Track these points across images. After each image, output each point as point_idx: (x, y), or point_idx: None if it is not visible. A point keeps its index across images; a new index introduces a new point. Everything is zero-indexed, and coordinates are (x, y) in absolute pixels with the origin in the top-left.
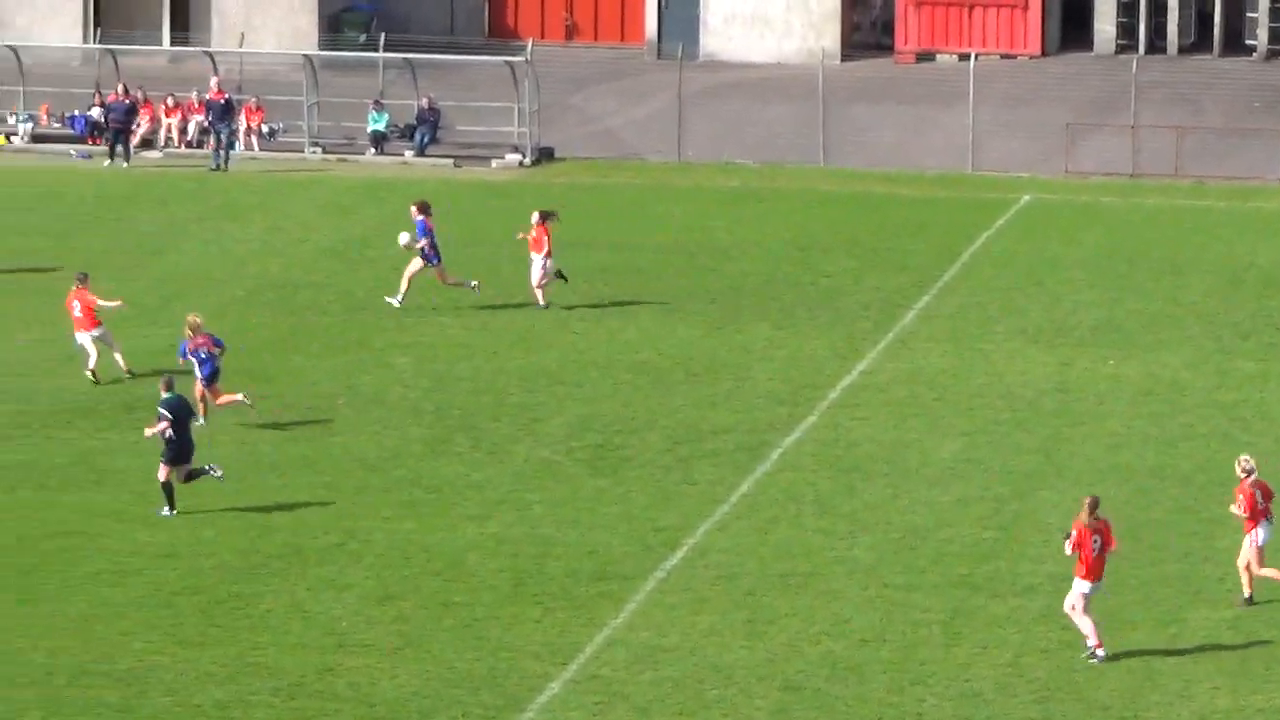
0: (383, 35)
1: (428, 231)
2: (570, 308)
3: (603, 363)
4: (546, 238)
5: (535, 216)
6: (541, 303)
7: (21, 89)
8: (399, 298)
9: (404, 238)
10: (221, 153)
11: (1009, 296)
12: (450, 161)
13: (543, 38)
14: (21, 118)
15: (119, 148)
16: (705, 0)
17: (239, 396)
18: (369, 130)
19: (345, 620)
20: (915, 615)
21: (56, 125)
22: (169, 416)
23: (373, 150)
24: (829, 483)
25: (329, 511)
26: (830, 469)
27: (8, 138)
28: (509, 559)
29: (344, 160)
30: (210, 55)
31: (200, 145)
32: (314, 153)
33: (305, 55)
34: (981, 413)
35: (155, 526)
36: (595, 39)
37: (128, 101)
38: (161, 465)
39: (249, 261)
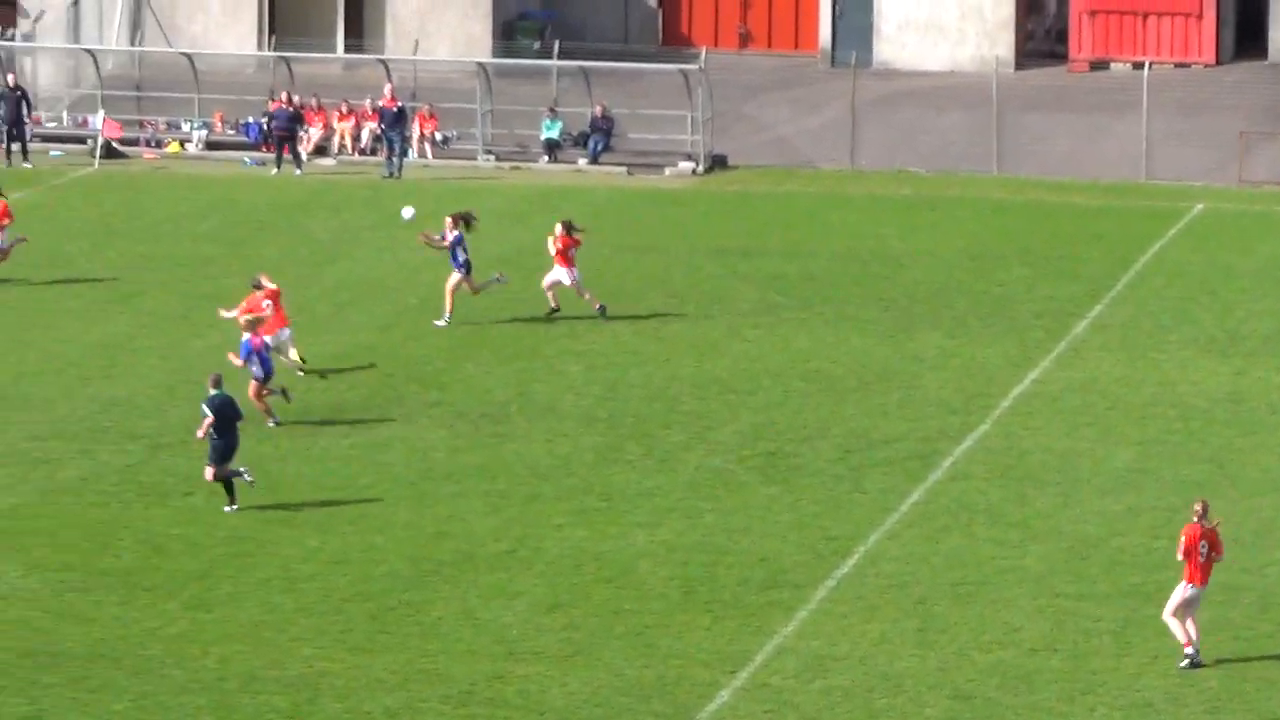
0: (556, 43)
1: (462, 242)
2: (743, 315)
3: (775, 371)
4: (573, 249)
5: (559, 228)
6: (552, 304)
7: (196, 96)
8: (445, 318)
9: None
10: (395, 160)
11: (1182, 306)
12: (623, 169)
13: (716, 46)
14: (196, 125)
15: (285, 155)
16: (879, 8)
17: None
18: (542, 138)
19: (516, 628)
20: (1086, 624)
21: (230, 132)
22: (209, 415)
23: (546, 158)
24: (1000, 491)
25: (500, 519)
26: (1002, 478)
27: (182, 145)
28: (680, 567)
29: (517, 168)
30: (384, 62)
31: (373, 152)
32: (487, 160)
33: (479, 63)
34: (1154, 422)
35: (326, 533)
36: (769, 47)
37: (290, 109)
38: (208, 468)
39: (422, 269)
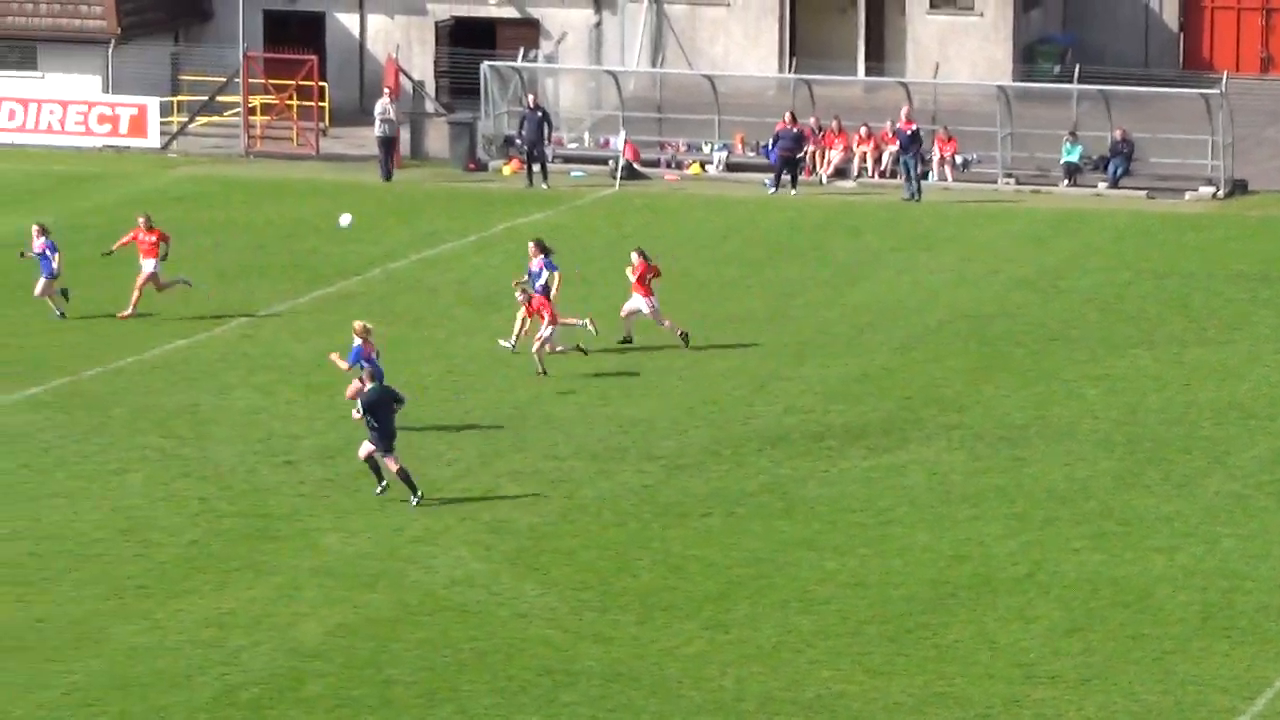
0: (1076, 67)
1: (550, 266)
2: (1263, 340)
3: None
4: (651, 277)
5: (635, 256)
6: (626, 332)
7: (717, 118)
8: (511, 341)
9: (344, 219)
10: (914, 182)
11: None
12: (1143, 193)
13: (1237, 70)
14: (716, 146)
15: (785, 175)
16: None
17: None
18: (1062, 161)
19: (1033, 651)
20: None
21: (750, 154)
22: (359, 410)
23: (1066, 182)
24: None
25: (1018, 542)
26: None
27: (703, 166)
28: (1198, 592)
29: (1036, 191)
30: (905, 85)
31: (893, 175)
32: (1007, 184)
33: (999, 86)
34: None
35: (845, 555)
36: None
37: (795, 130)
38: (366, 442)
39: (941, 292)
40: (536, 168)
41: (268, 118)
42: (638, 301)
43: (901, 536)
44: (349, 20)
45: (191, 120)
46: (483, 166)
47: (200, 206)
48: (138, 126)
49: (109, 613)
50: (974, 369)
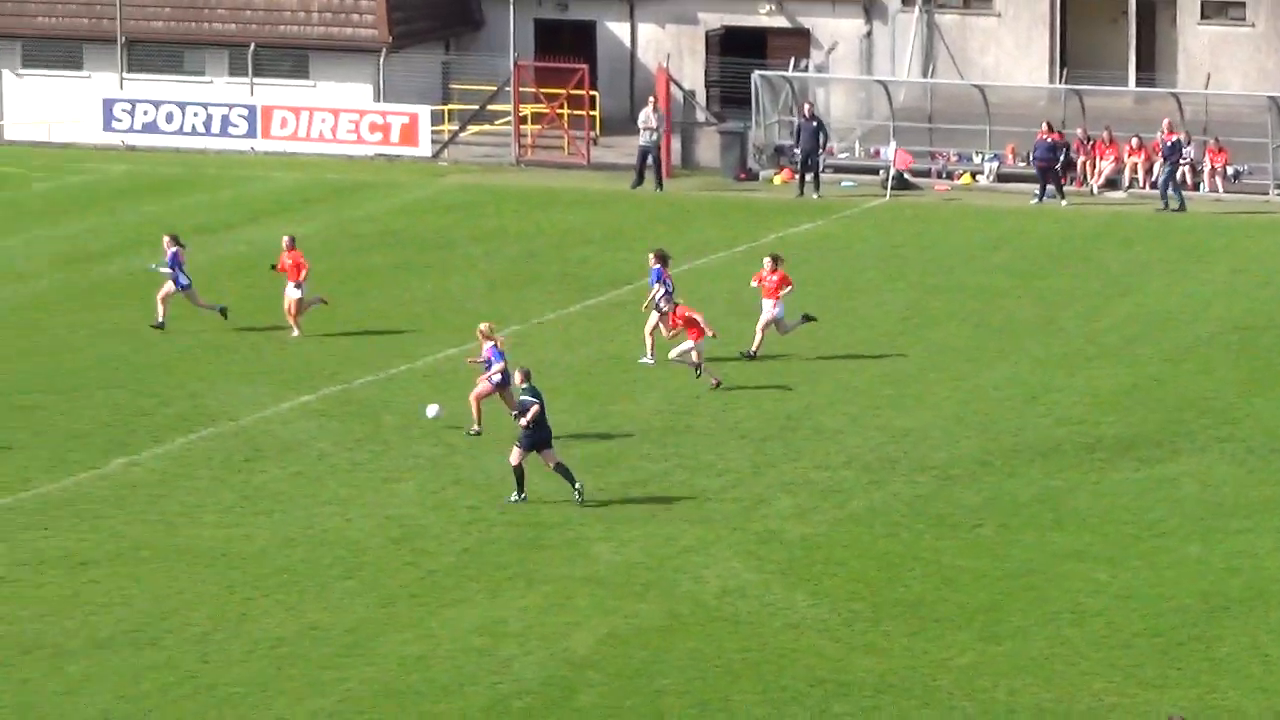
0: None
1: (663, 279)
2: None
3: None
4: (785, 284)
5: (767, 262)
6: (754, 347)
7: (988, 128)
8: (648, 356)
9: (432, 409)
10: (1164, 192)
11: None
12: None
13: None
14: (987, 156)
15: (1049, 185)
16: None
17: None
18: None
19: None
20: None
21: (1021, 165)
22: (535, 401)
23: None
24: None
25: None
26: None
27: (973, 176)
28: None
29: None
30: (1175, 96)
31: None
32: (1278, 195)
33: (1270, 97)
34: None
35: (1117, 566)
36: None
37: (1049, 140)
38: (516, 449)
39: (1213, 303)
40: (809, 177)
41: (538, 126)
42: (767, 307)
43: (1173, 548)
44: (620, 29)
45: (462, 129)
46: (753, 176)
47: (471, 215)
48: (409, 135)
49: (381, 621)
50: (1245, 380)
